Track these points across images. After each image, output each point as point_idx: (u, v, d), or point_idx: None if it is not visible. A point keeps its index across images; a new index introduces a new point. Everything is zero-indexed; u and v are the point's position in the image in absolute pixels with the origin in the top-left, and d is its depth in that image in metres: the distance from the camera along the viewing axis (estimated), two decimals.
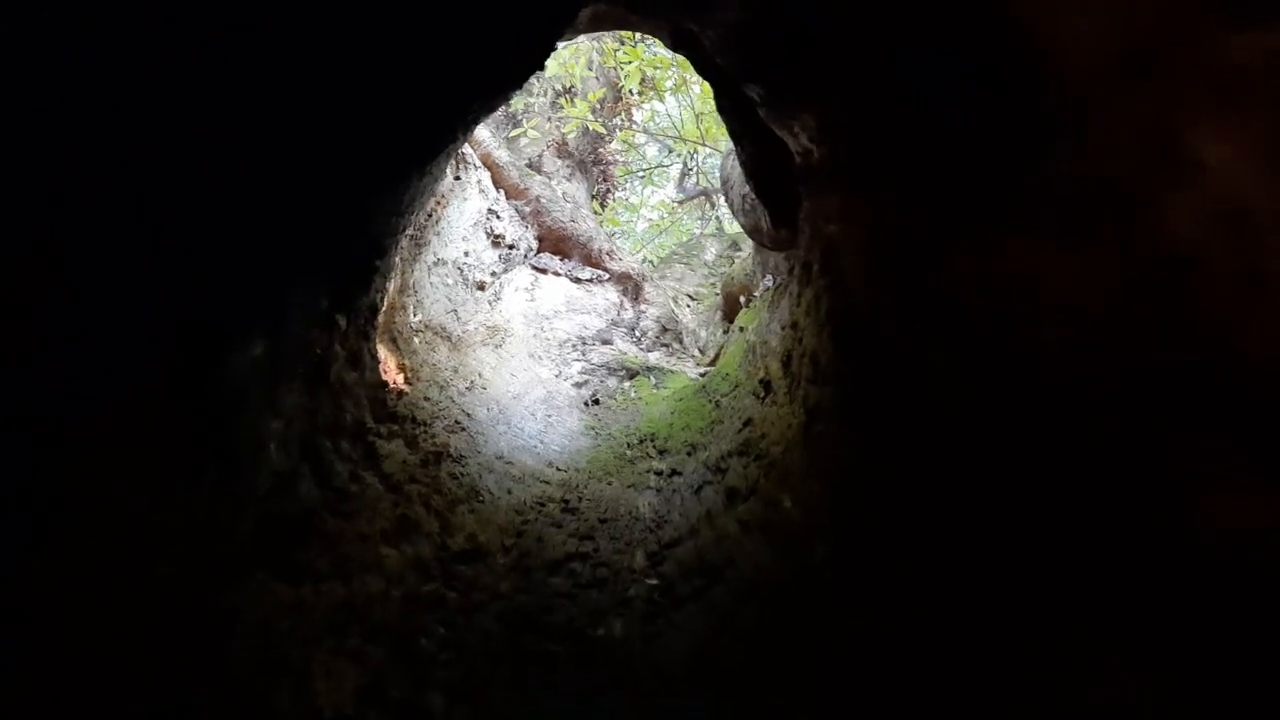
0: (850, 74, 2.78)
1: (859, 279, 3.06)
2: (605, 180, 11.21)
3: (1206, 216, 1.45)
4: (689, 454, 4.44)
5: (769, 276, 5.49)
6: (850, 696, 2.46)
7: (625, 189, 14.25)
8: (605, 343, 6.50)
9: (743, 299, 6.36)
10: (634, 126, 11.67)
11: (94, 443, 2.24)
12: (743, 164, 4.49)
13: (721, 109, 4.38)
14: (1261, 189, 1.36)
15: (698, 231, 13.22)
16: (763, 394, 4.25)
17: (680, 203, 13.98)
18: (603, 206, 10.94)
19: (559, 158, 10.05)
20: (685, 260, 10.10)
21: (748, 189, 4.68)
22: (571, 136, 10.00)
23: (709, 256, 10.08)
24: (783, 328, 4.28)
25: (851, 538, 2.77)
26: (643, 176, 14.97)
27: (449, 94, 3.37)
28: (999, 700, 2.09)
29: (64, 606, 2.13)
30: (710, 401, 4.93)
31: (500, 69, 3.56)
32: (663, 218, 15.41)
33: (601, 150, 10.92)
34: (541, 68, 3.75)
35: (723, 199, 12.70)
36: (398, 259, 4.56)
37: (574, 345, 6.29)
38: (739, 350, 5.28)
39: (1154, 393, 1.63)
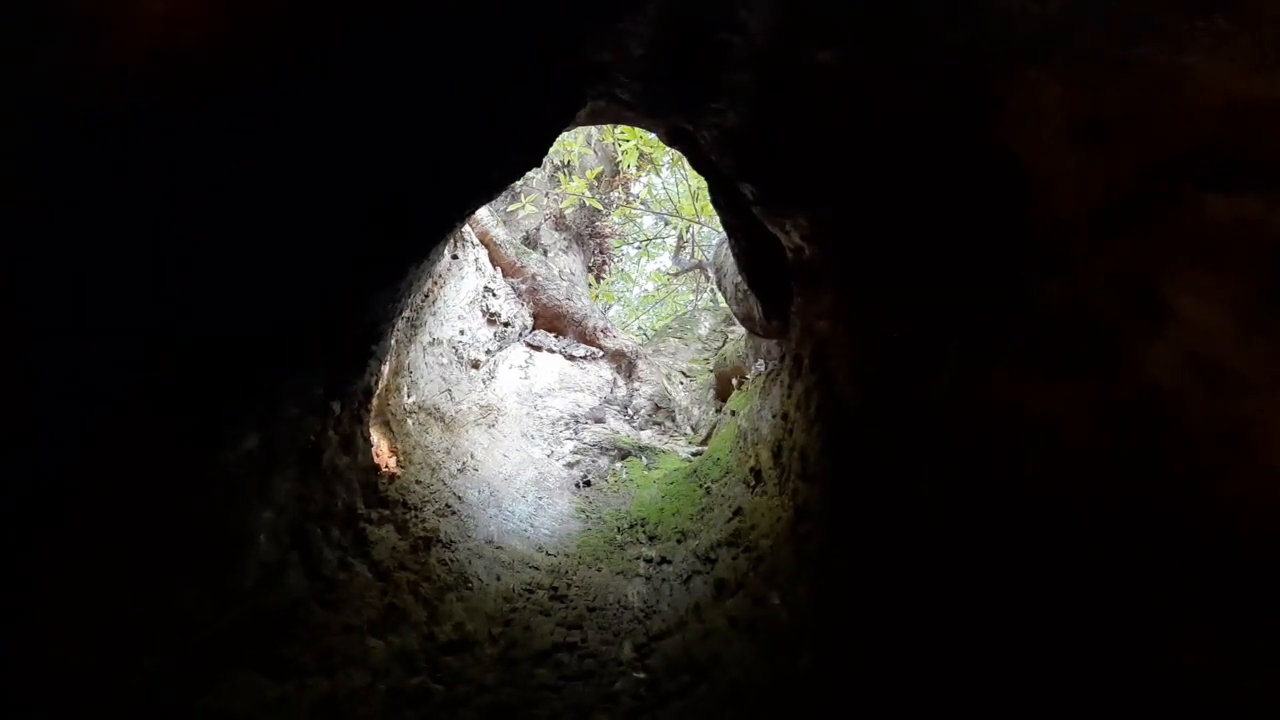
0: (843, 183, 2.86)
1: (848, 382, 3.10)
2: (602, 253, 11.33)
3: (1184, 368, 1.49)
4: (679, 541, 4.44)
5: (761, 361, 5.55)
6: None
7: (621, 259, 14.39)
8: (598, 421, 6.52)
9: (735, 381, 6.41)
10: (631, 200, 11.83)
11: (76, 539, 2.25)
12: (736, 256, 4.57)
13: (716, 203, 4.47)
14: (1239, 350, 1.40)
15: (693, 301, 13.31)
16: (753, 483, 4.27)
17: (675, 274, 14.10)
18: (598, 279, 11.04)
19: (556, 230, 10.17)
20: (679, 334, 10.17)
21: (740, 279, 4.75)
22: (569, 210, 10.12)
23: (703, 330, 10.15)
24: (774, 416, 4.31)
25: (836, 648, 2.77)
26: (639, 248, 15.12)
27: (450, 189, 3.44)
28: None
29: (41, 706, 2.13)
30: (701, 487, 4.95)
31: (500, 165, 3.65)
32: (658, 288, 15.54)
33: (598, 223, 11.06)
34: (539, 163, 3.84)
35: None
36: (393, 341, 4.60)
37: (567, 424, 6.31)
38: (730, 434, 5.31)
39: (1131, 528, 1.65)
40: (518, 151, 3.61)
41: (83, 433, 2.18)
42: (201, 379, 2.53)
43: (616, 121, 4.50)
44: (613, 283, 12.98)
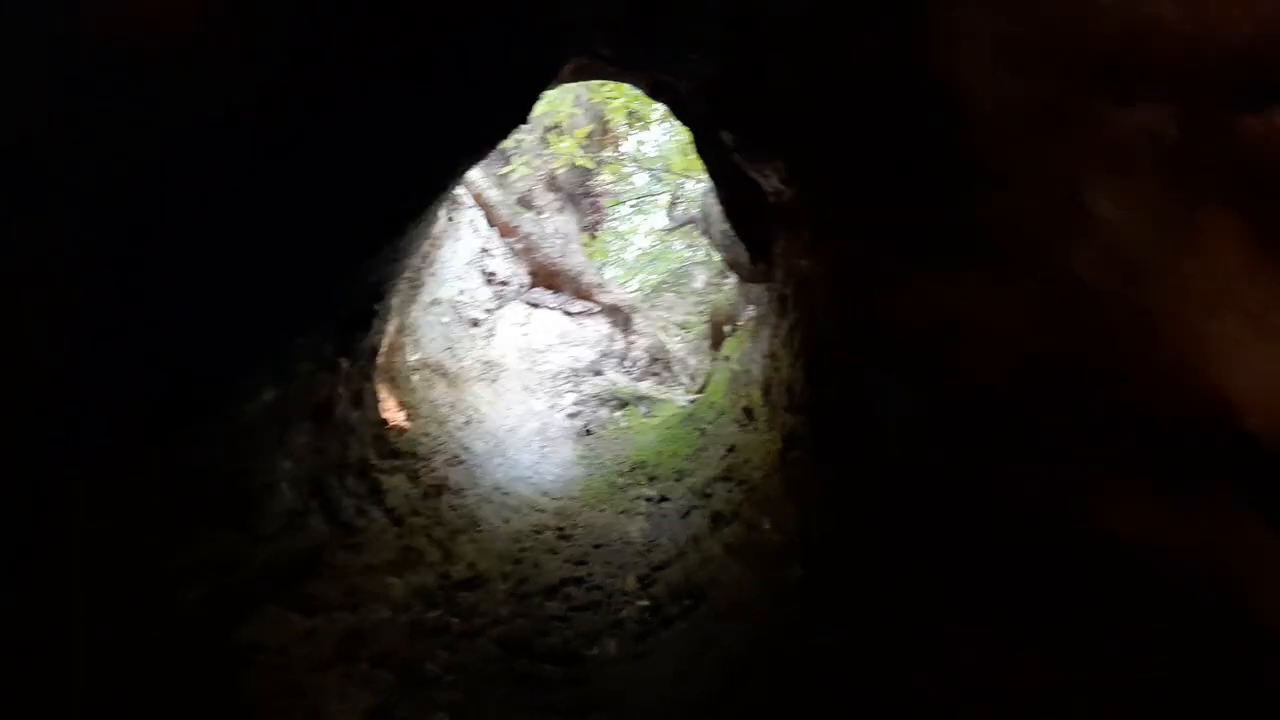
0: (808, 125, 3.02)
1: (825, 314, 3.29)
2: (595, 211, 11.45)
3: (1103, 264, 1.68)
4: (677, 480, 4.66)
5: (751, 306, 5.73)
6: (819, 711, 2.65)
7: (616, 217, 14.48)
8: (597, 374, 6.72)
9: (727, 328, 6.60)
10: (622, 157, 11.92)
11: (111, 484, 2.45)
12: (721, 203, 4.74)
13: (700, 150, 4.63)
14: (1149, 242, 1.59)
15: (689, 257, 13.43)
16: (745, 421, 4.47)
17: (670, 230, 14.22)
18: (593, 237, 11.17)
19: (549, 191, 10.29)
20: (675, 288, 10.34)
21: (726, 226, 4.92)
22: (561, 171, 10.24)
23: (698, 284, 10.32)
24: (763, 356, 4.50)
25: (819, 559, 2.98)
26: (633, 206, 15.19)
27: (442, 151, 3.60)
28: (948, 698, 2.28)
29: (79, 641, 2.33)
30: (697, 429, 5.16)
31: (489, 125, 3.81)
32: (654, 245, 15.62)
33: (590, 182, 11.17)
34: (526, 121, 3.99)
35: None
36: (396, 301, 4.79)
37: (567, 377, 6.52)
38: (724, 378, 5.52)
39: (1065, 412, 1.85)
40: (505, 109, 3.77)
41: (117, 392, 2.37)
42: (221, 340, 2.71)
43: (600, 77, 4.66)
44: (608, 241, 13.09)
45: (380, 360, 4.47)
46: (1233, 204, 1.38)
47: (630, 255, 16.26)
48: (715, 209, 5.29)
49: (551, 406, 5.95)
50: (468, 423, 5.05)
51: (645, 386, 6.69)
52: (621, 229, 15.49)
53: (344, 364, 3.87)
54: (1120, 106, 1.61)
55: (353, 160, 2.97)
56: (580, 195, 10.94)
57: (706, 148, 4.47)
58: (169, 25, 2.03)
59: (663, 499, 4.54)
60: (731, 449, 4.37)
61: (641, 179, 14.80)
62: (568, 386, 6.35)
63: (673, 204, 14.29)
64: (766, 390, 4.24)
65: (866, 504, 2.77)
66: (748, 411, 4.47)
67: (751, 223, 4.46)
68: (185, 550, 2.63)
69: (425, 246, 5.43)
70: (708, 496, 4.18)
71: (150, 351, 2.42)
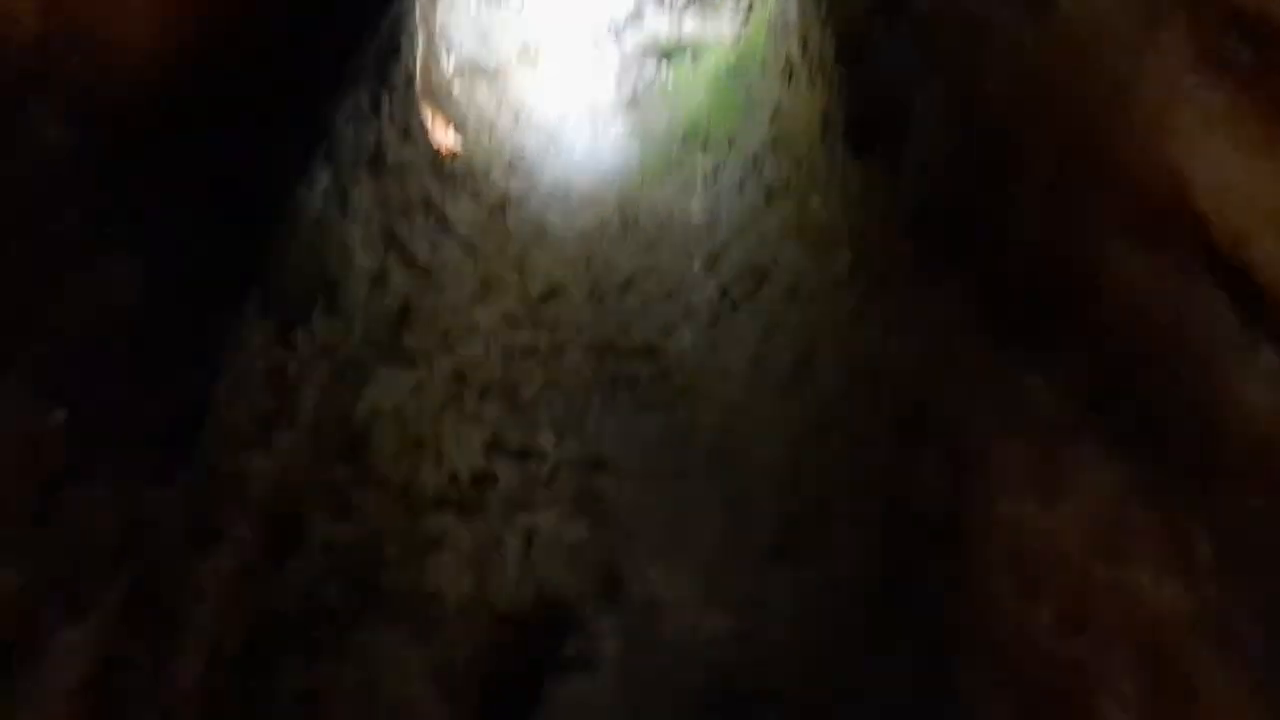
0: None
1: None
2: None
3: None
4: (729, 147, 4.68)
5: None
6: (874, 388, 2.92)
7: None
8: (636, 20, 6.44)
9: None
10: None
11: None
12: None
13: None
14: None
15: None
16: (788, 78, 4.38)
17: None
18: None
19: None
20: None
21: None
22: None
23: None
24: (799, 3, 4.31)
25: (866, 248, 3.11)
26: None
27: None
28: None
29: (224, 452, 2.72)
30: (741, 88, 5.05)
31: None
32: None
33: None
34: None
35: None
36: (419, 11, 4.63)
37: (607, 30, 6.27)
38: (764, 19, 5.28)
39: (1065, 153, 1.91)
40: None
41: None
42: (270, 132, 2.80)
43: None
44: None
45: (419, 83, 4.46)
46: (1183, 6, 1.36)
47: None
48: None
49: (596, 76, 5.85)
50: (516, 120, 5.09)
51: (689, 27, 6.40)
52: None
53: (384, 102, 3.90)
54: None
55: None
56: None
57: None
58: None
59: (716, 169, 4.62)
60: (777, 111, 4.35)
61: None
62: (609, 41, 6.16)
63: None
64: (804, 45, 4.10)
65: (901, 200, 2.83)
66: (789, 67, 4.37)
67: None
68: (295, 369, 2.94)
69: None
70: (759, 168, 4.25)
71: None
